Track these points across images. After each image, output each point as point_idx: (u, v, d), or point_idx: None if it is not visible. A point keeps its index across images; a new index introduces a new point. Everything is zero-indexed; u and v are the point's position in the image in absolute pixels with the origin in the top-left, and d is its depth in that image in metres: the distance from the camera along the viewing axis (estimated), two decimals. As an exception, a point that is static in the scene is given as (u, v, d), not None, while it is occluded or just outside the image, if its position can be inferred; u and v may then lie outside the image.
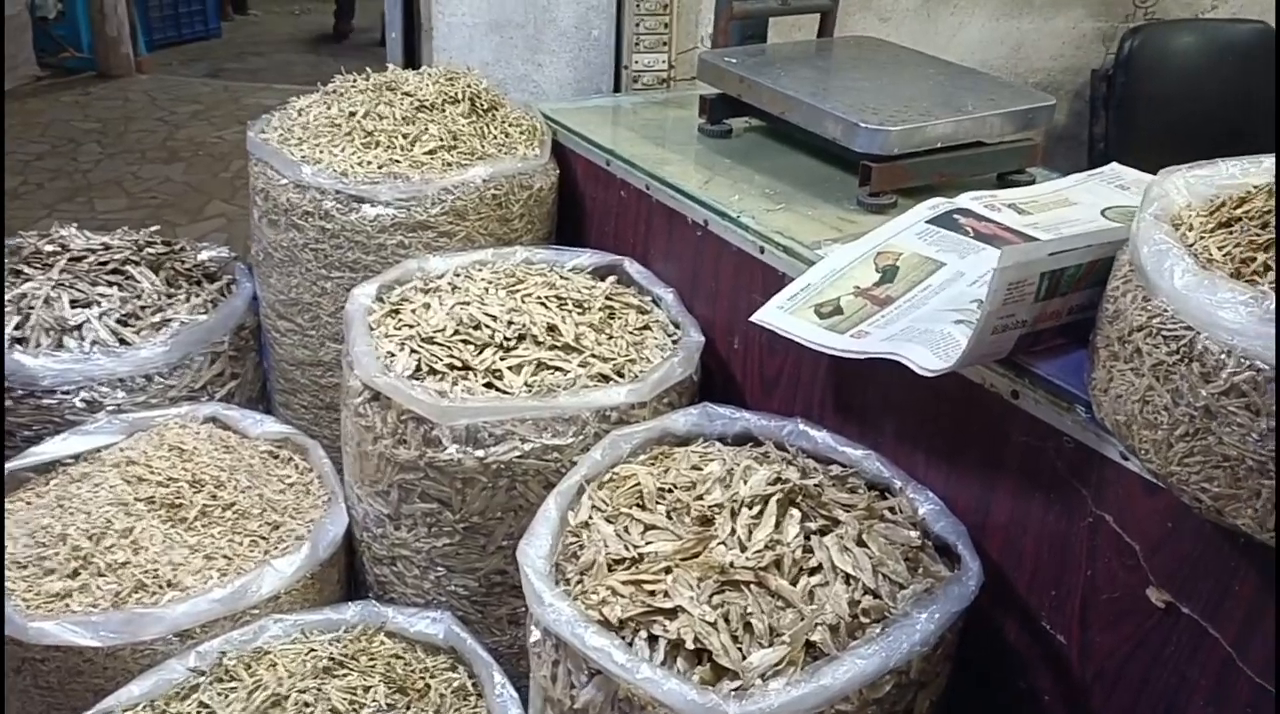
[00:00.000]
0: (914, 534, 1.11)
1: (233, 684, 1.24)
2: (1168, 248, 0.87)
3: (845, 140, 1.45)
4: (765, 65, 1.65)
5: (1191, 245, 0.89)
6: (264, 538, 1.38)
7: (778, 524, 1.08)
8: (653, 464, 1.21)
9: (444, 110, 1.70)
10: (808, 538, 1.07)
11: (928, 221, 1.31)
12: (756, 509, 1.09)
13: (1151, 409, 0.87)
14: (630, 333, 1.44)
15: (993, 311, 0.98)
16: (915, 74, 1.65)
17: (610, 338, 1.41)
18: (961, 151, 1.50)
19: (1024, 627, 1.10)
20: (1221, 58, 2.36)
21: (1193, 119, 2.26)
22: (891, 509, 1.15)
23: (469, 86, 1.75)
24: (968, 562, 1.07)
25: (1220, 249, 0.87)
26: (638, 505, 1.13)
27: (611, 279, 1.55)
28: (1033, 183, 1.53)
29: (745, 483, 1.12)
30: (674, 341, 1.46)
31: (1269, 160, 0.99)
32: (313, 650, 1.26)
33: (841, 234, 1.38)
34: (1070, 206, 1.36)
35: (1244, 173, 1.00)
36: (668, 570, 1.04)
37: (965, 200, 1.35)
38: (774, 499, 1.09)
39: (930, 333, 1.10)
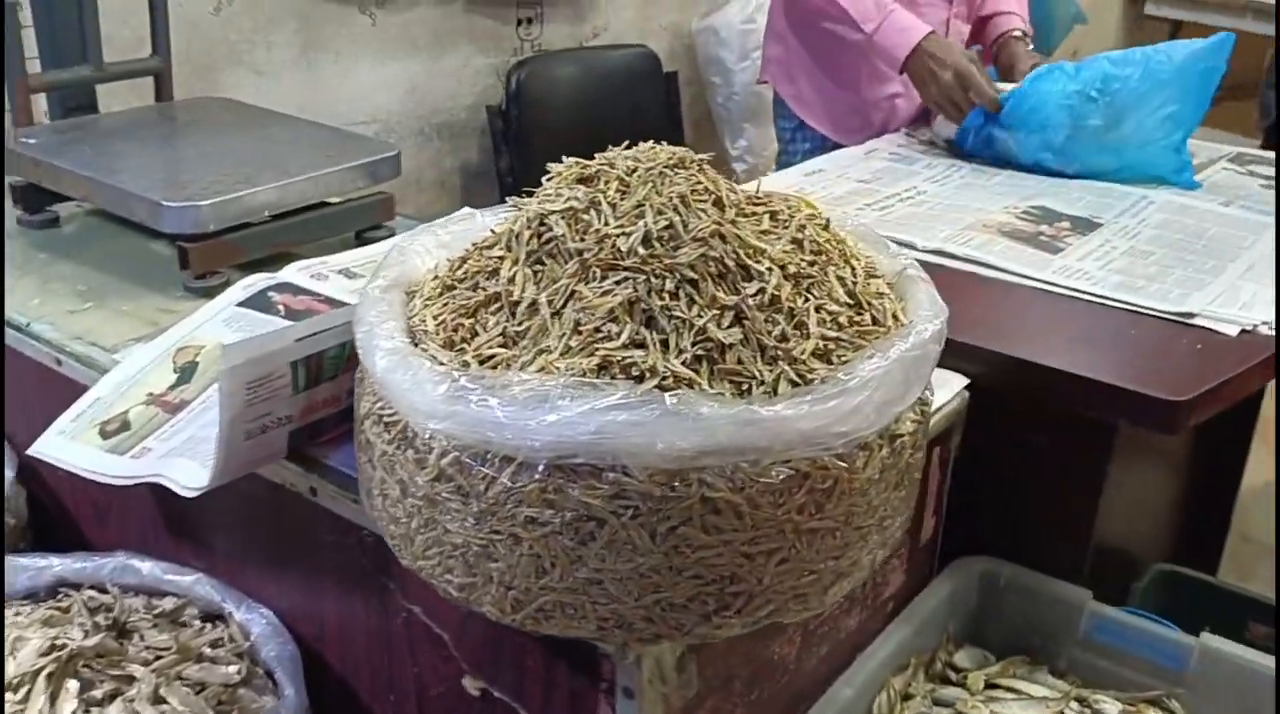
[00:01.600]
0: (234, 669, 0.97)
1: None
2: (378, 323, 0.80)
3: (152, 222, 1.29)
4: (73, 144, 1.45)
5: (413, 317, 0.83)
6: None
7: (53, 702, 0.90)
8: (-89, 656, 0.98)
9: None
10: (88, 712, 0.90)
11: (239, 304, 1.18)
12: (24, 690, 0.91)
13: (390, 502, 0.80)
14: (-87, 484, 1.19)
15: (236, 416, 0.87)
16: (253, 136, 1.53)
17: (-120, 497, 1.15)
18: (300, 216, 1.39)
19: (374, 739, 1.01)
20: (608, 81, 2.48)
21: (587, 143, 2.32)
22: (216, 641, 1.01)
23: None
24: (284, 690, 0.95)
25: (436, 319, 0.81)
26: None
27: (-105, 419, 1.28)
28: (391, 236, 1.46)
29: (14, 658, 0.93)
30: (-20, 482, 1.22)
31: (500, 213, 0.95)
32: None
33: (155, 329, 1.21)
34: (413, 262, 1.29)
35: (499, 222, 0.96)
36: (-108, 805, 0.83)
37: (290, 272, 1.24)
38: (44, 674, 0.91)
39: (209, 441, 0.97)
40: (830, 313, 0.78)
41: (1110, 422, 1.12)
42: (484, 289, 0.81)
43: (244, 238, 1.33)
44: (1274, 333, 1.17)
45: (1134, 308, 1.24)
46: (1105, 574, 1.28)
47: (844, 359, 0.76)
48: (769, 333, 0.75)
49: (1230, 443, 1.71)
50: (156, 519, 1.16)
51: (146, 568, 1.09)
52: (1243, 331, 1.18)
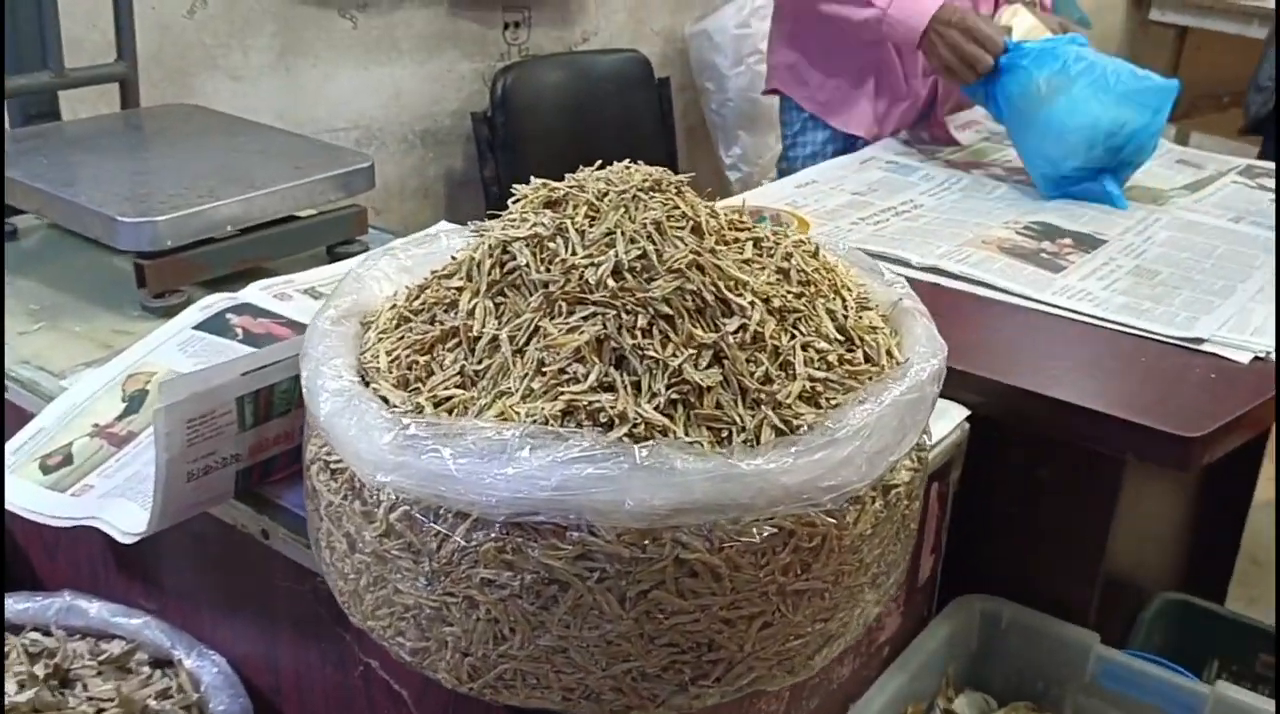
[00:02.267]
0: (180, 724, 0.91)
1: None
2: (325, 360, 0.73)
3: (107, 238, 1.22)
4: (29, 154, 1.38)
5: (365, 352, 0.76)
6: None
7: (-21, 766, 0.84)
8: None
9: None
10: (16, 776, 0.84)
11: (195, 327, 1.11)
12: (-52, 753, 0.84)
13: (337, 556, 0.73)
14: None
15: (175, 457, 0.80)
16: (219, 146, 1.46)
17: None
18: (266, 230, 1.33)
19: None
20: (597, 87, 2.41)
21: (578, 151, 2.25)
22: (164, 692, 0.95)
23: None
24: (232, 749, 0.89)
25: (389, 355, 0.75)
26: None
27: None
28: (365, 251, 1.40)
29: (-60, 716, 0.87)
30: (-78, 515, 1.15)
31: (457, 240, 0.88)
32: None
33: (108, 352, 1.15)
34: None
35: (465, 246, 0.89)
36: None
37: (252, 292, 1.18)
38: (-30, 734, 0.85)
39: (153, 480, 0.90)
40: (819, 351, 0.72)
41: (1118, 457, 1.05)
42: (441, 323, 0.74)
43: (205, 254, 1.27)
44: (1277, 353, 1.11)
45: (1140, 332, 1.17)
46: (1111, 605, 1.22)
47: (833, 402, 0.70)
48: (751, 374, 0.68)
49: (1239, 462, 1.64)
50: (107, 556, 1.09)
51: (94, 609, 1.03)
52: (1255, 359, 1.12)
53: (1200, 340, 1.14)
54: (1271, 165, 1.75)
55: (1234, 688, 1.06)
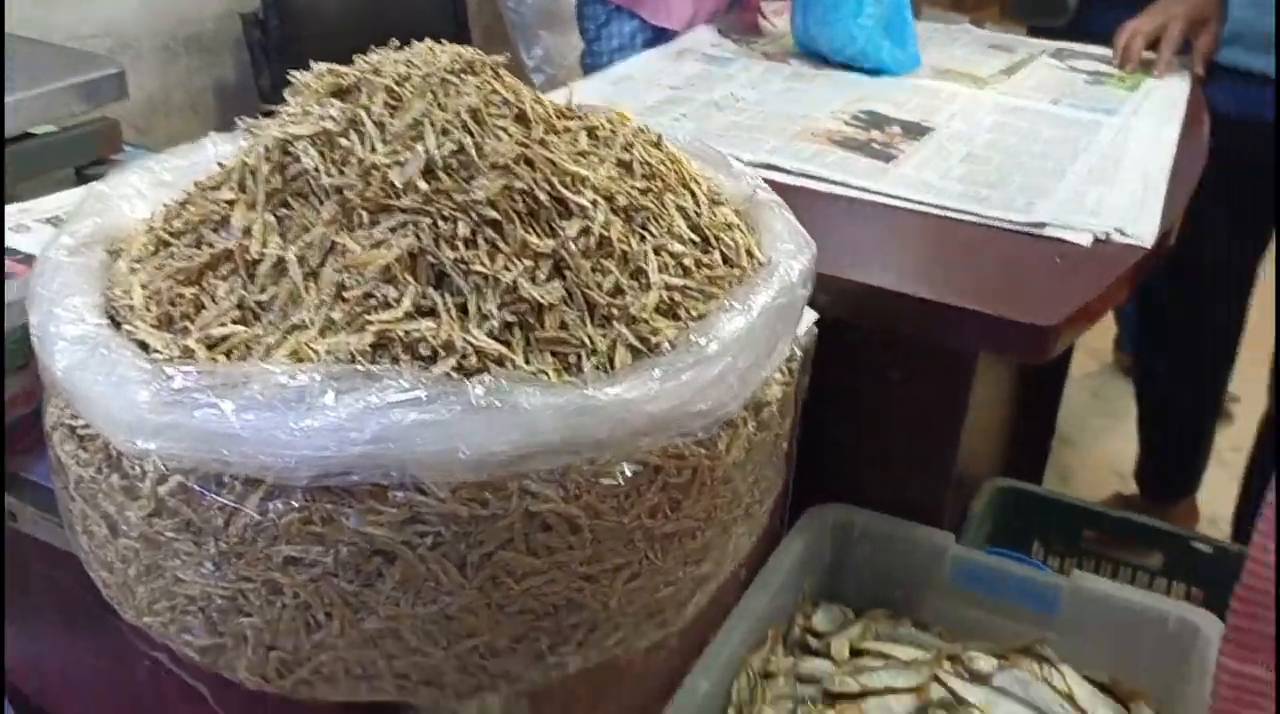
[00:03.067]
0: (-76, 752, 0.75)
1: None
2: (59, 299, 0.58)
3: None
4: None
5: (114, 287, 0.61)
6: None
7: None
8: None
9: None
10: None
11: (-93, 269, 0.92)
12: None
13: (96, 543, 0.59)
14: None
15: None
16: (-73, 51, 1.22)
17: None
18: (-6, 150, 1.12)
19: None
20: (381, -16, 2.21)
21: (363, 53, 2.08)
22: (-98, 714, 0.78)
23: None
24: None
25: (146, 290, 0.60)
26: None
27: None
28: (122, 171, 1.21)
29: None
30: None
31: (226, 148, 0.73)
32: None
33: None
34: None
35: (240, 150, 0.74)
36: None
37: (-21, 223, 0.98)
38: None
39: None
40: (673, 254, 0.62)
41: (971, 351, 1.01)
42: (210, 245, 0.60)
43: (-82, 181, 1.05)
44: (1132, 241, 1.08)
45: (982, 220, 1.12)
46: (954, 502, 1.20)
47: (695, 313, 0.60)
48: (599, 286, 0.57)
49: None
50: None
51: None
52: (1096, 241, 1.09)
53: (1041, 224, 1.10)
54: (1081, 47, 1.74)
55: (1090, 576, 1.05)
